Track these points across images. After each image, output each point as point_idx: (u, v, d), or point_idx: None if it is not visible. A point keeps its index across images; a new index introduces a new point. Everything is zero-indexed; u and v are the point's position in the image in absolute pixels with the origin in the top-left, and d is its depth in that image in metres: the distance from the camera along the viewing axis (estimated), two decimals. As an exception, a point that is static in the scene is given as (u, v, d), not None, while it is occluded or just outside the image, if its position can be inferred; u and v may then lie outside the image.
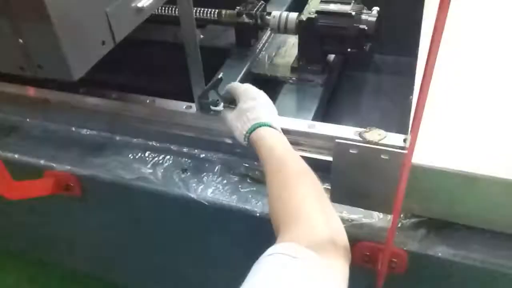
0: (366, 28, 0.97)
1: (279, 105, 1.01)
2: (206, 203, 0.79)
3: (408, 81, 0.84)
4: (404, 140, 0.71)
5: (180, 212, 0.85)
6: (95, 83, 1.00)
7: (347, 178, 0.69)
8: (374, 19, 0.97)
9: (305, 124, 0.81)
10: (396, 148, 0.65)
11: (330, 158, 0.74)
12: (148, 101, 0.91)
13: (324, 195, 0.60)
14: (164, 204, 0.84)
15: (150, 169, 0.85)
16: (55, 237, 1.12)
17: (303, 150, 0.80)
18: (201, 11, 1.10)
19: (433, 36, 0.43)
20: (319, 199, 0.58)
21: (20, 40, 0.70)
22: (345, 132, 0.77)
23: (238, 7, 1.09)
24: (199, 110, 0.86)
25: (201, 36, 1.23)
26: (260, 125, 0.71)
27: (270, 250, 0.49)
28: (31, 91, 0.99)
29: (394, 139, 0.72)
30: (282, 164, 0.63)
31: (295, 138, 0.80)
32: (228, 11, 1.10)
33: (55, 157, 0.90)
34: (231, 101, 0.81)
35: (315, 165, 0.64)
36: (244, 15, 1.08)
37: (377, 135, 0.75)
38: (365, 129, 0.76)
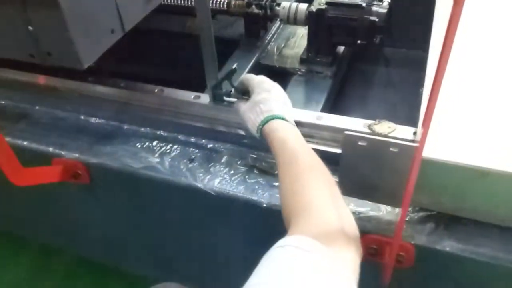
0: (376, 20, 0.95)
1: (288, 97, 1.02)
2: (213, 193, 0.79)
3: (417, 74, 0.83)
4: (414, 133, 0.71)
5: (186, 201, 0.85)
6: (102, 72, 1.00)
7: (355, 170, 0.69)
8: (385, 11, 0.96)
9: (314, 115, 0.81)
10: (406, 141, 0.65)
11: (338, 151, 0.74)
12: (156, 90, 0.91)
13: (336, 189, 0.59)
14: (171, 194, 0.84)
15: (157, 158, 0.85)
16: (63, 224, 1.13)
17: (311, 142, 0.80)
18: (210, 1, 1.09)
19: (447, 29, 0.42)
20: (331, 192, 0.58)
21: (30, 27, 0.70)
22: (354, 124, 0.76)
23: (247, -3, 1.08)
24: (212, 101, 0.86)
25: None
26: (273, 117, 0.71)
27: (280, 242, 0.48)
28: (40, 79, 0.99)
29: (404, 132, 0.71)
30: (294, 157, 0.63)
31: (303, 130, 0.79)
32: (237, 1, 1.09)
33: (64, 144, 0.90)
34: (244, 92, 0.81)
35: (323, 157, 0.64)
36: (253, 6, 1.07)
37: (387, 128, 0.74)
38: (374, 122, 0.76)
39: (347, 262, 0.49)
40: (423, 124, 0.62)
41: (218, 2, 1.11)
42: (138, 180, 0.84)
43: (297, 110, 0.81)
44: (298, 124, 0.77)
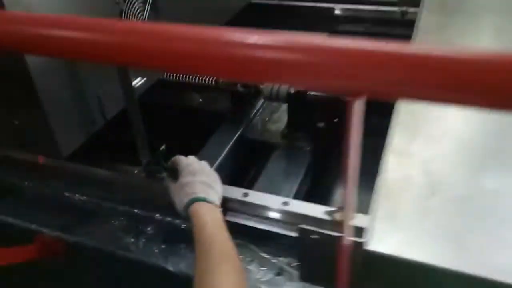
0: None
1: (268, 171, 1.05)
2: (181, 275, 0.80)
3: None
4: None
5: (158, 283, 0.86)
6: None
7: (312, 260, 0.71)
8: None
9: (279, 201, 0.82)
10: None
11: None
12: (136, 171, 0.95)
13: (245, 284, 0.63)
14: (143, 275, 0.86)
15: (132, 238, 0.88)
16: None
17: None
18: (200, 77, 1.15)
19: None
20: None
21: (15, 122, 0.76)
22: (315, 211, 0.78)
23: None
24: (146, 177, 0.90)
25: (200, 100, 1.29)
26: (196, 199, 0.73)
27: None
28: (28, 156, 1.01)
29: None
30: (208, 246, 0.66)
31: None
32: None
33: (46, 222, 0.93)
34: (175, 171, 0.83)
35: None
36: (238, 85, 1.12)
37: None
38: (335, 209, 0.78)
39: None
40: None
41: (206, 78, 1.15)
42: (113, 260, 0.86)
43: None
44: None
